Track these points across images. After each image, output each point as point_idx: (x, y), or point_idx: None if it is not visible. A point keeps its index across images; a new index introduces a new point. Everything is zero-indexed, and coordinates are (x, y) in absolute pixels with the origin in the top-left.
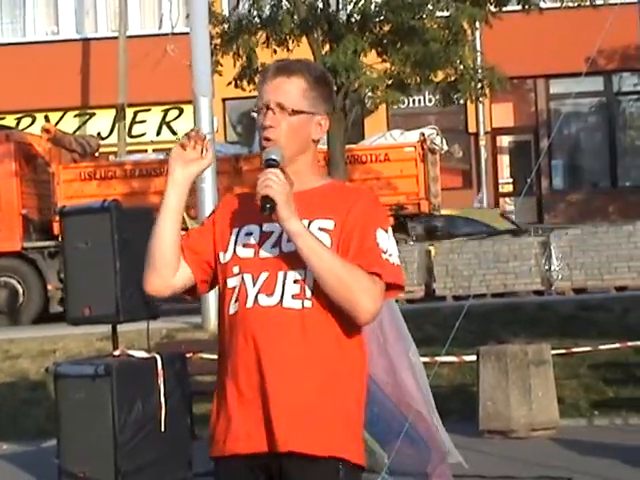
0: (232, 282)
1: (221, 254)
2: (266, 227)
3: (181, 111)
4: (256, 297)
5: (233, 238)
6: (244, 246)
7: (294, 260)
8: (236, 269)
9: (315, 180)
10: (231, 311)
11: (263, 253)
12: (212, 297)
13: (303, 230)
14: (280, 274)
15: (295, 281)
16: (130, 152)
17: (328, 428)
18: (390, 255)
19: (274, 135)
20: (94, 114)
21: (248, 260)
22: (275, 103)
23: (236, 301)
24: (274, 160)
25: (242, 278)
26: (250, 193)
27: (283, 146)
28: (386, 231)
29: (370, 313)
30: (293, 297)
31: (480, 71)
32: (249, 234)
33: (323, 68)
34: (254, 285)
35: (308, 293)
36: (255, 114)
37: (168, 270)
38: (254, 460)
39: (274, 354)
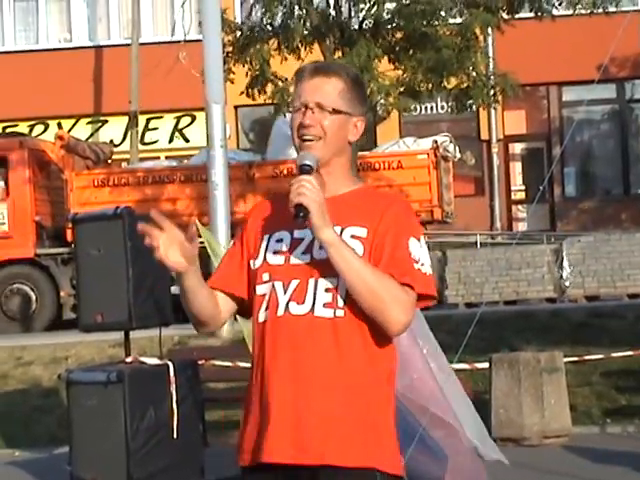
0: (261, 289)
1: (252, 261)
2: (297, 234)
3: (193, 118)
4: (287, 305)
5: (264, 245)
6: (274, 253)
7: (326, 268)
8: (266, 276)
9: (347, 184)
10: (261, 319)
11: (294, 260)
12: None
13: (336, 239)
14: (311, 281)
15: (327, 289)
16: (142, 159)
17: (362, 439)
18: (422, 265)
19: (315, 133)
20: (106, 121)
21: (278, 267)
22: (314, 103)
23: (266, 309)
24: (308, 166)
25: (272, 286)
26: (282, 195)
27: (322, 145)
28: (418, 240)
29: (402, 324)
30: (324, 306)
31: (492, 78)
32: (280, 241)
33: (356, 71)
34: (285, 293)
35: (340, 302)
36: (290, 114)
37: (214, 319)
38: (284, 470)
39: (305, 363)
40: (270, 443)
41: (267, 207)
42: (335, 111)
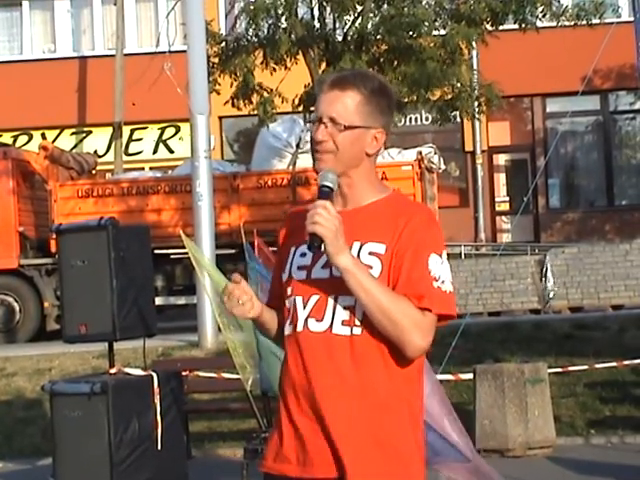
0: (287, 303)
1: (282, 274)
2: None
3: (178, 129)
4: (306, 321)
5: (290, 258)
6: (298, 268)
7: (344, 285)
8: (289, 290)
9: (369, 195)
10: (285, 332)
11: (314, 275)
12: (208, 315)
13: (351, 265)
14: (330, 299)
15: (345, 307)
16: (127, 170)
17: (376, 456)
18: (442, 282)
19: (326, 148)
20: (91, 132)
21: (300, 282)
22: (328, 117)
23: (290, 323)
24: (328, 187)
25: (294, 301)
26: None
27: (334, 160)
28: (440, 255)
29: (419, 348)
30: (342, 323)
31: (477, 88)
32: (303, 255)
33: (382, 79)
34: (304, 308)
35: (358, 320)
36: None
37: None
38: None
39: (323, 380)
40: (289, 457)
41: (297, 217)
42: (348, 127)
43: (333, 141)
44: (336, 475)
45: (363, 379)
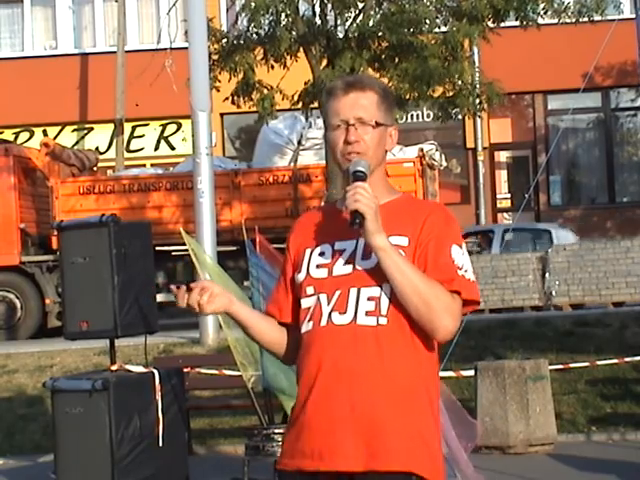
0: (306, 303)
1: (296, 274)
2: (338, 245)
3: (179, 126)
4: (330, 315)
5: (306, 259)
6: (317, 267)
7: (368, 277)
8: (310, 290)
9: (387, 194)
10: (303, 330)
11: (336, 272)
12: None
13: (388, 245)
14: (353, 291)
15: (369, 298)
16: (128, 167)
17: (405, 444)
18: (466, 271)
19: (360, 149)
20: (92, 129)
21: (322, 280)
22: (355, 118)
23: (310, 320)
24: (361, 172)
25: (318, 299)
26: (320, 208)
27: (369, 159)
28: (460, 247)
29: (449, 331)
30: (367, 314)
31: (478, 86)
32: (322, 254)
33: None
34: (328, 304)
35: (383, 310)
36: (324, 131)
37: (290, 349)
38: (322, 476)
39: (348, 372)
40: (308, 451)
41: (307, 222)
42: (378, 124)
43: (364, 141)
44: (361, 468)
45: (389, 368)
